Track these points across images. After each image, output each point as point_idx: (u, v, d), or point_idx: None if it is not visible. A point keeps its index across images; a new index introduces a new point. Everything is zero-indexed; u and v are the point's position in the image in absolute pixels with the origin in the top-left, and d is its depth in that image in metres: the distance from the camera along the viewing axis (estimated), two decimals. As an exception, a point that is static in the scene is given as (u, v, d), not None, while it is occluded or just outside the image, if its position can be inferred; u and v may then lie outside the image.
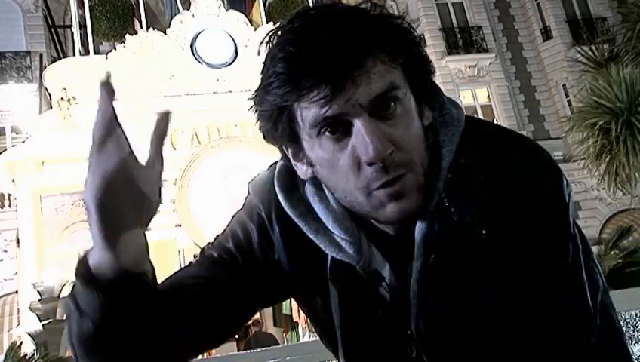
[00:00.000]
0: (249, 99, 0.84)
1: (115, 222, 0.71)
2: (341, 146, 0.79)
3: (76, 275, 0.76)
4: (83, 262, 0.76)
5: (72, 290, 0.78)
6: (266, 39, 0.81)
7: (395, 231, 0.85)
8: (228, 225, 0.99)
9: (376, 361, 0.90)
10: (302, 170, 0.87)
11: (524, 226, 0.81)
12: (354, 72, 0.76)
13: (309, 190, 0.90)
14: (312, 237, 0.87)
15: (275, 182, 0.92)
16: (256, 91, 0.83)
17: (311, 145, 0.82)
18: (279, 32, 0.80)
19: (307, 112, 0.78)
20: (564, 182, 0.85)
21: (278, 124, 0.82)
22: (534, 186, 0.82)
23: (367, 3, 0.82)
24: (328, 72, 0.75)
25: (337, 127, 0.78)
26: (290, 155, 0.87)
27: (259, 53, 0.82)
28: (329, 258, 0.87)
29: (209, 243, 0.98)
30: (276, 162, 0.95)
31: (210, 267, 0.93)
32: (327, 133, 0.79)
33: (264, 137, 0.87)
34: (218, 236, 0.99)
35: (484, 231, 0.81)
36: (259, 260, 0.93)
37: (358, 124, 0.77)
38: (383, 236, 0.86)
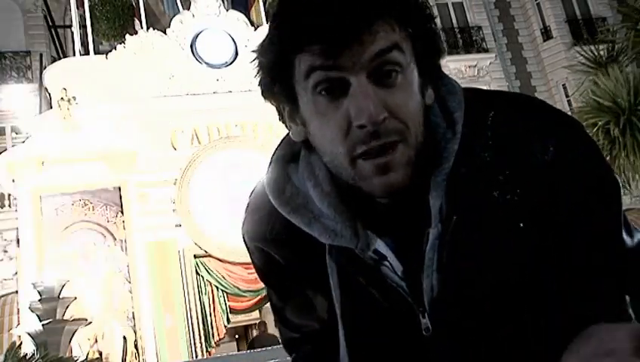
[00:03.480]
0: (253, 51, 0.83)
1: None
2: (335, 106, 0.77)
3: None
4: None
5: None
6: None
7: (393, 203, 0.83)
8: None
9: (387, 346, 0.88)
10: (295, 131, 0.85)
11: (556, 182, 0.81)
12: (360, 32, 0.74)
13: (303, 175, 0.88)
14: (306, 229, 0.86)
15: (265, 187, 0.91)
16: (261, 42, 0.82)
17: (306, 102, 0.80)
18: None
19: (306, 66, 0.77)
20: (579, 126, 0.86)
21: (277, 78, 0.81)
22: (555, 139, 0.82)
23: None
24: (334, 26, 0.74)
25: (334, 87, 0.77)
26: (286, 115, 0.86)
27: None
28: (326, 248, 0.86)
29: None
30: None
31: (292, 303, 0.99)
32: (322, 92, 0.77)
33: (262, 93, 0.86)
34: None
35: (507, 195, 0.81)
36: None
37: (354, 85, 0.75)
38: (380, 211, 0.84)
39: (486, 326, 0.83)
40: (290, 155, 0.91)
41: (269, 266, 0.97)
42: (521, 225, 0.81)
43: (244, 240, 0.99)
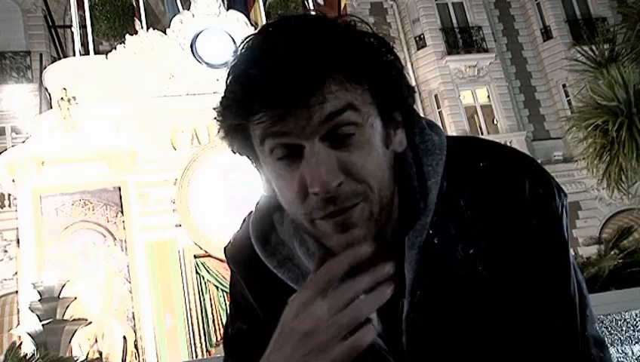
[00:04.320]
0: (214, 109, 0.82)
1: None
2: (292, 170, 0.76)
3: None
4: None
5: None
6: (240, 47, 0.79)
7: None
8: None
9: None
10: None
11: (520, 252, 0.81)
12: (308, 95, 0.72)
13: (288, 232, 0.87)
14: (292, 284, 0.85)
15: (251, 235, 0.90)
16: (219, 103, 0.81)
17: (265, 164, 0.80)
18: (247, 45, 0.78)
19: (259, 133, 0.76)
20: (558, 197, 0.84)
21: (236, 139, 0.81)
22: (525, 211, 0.81)
23: (345, 18, 0.78)
24: (280, 92, 0.72)
25: (289, 151, 0.75)
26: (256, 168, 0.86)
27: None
28: None
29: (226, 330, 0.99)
30: (250, 213, 0.94)
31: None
32: (278, 156, 0.76)
33: (230, 149, 0.85)
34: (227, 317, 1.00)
35: (478, 266, 0.81)
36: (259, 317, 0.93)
37: (308, 150, 0.74)
38: None
39: None
40: (275, 201, 0.86)
41: (245, 311, 0.95)
42: (491, 299, 0.81)
43: (228, 264, 0.98)
